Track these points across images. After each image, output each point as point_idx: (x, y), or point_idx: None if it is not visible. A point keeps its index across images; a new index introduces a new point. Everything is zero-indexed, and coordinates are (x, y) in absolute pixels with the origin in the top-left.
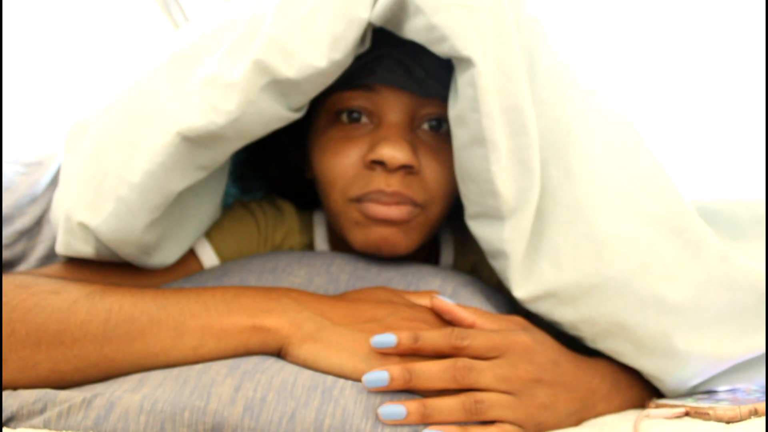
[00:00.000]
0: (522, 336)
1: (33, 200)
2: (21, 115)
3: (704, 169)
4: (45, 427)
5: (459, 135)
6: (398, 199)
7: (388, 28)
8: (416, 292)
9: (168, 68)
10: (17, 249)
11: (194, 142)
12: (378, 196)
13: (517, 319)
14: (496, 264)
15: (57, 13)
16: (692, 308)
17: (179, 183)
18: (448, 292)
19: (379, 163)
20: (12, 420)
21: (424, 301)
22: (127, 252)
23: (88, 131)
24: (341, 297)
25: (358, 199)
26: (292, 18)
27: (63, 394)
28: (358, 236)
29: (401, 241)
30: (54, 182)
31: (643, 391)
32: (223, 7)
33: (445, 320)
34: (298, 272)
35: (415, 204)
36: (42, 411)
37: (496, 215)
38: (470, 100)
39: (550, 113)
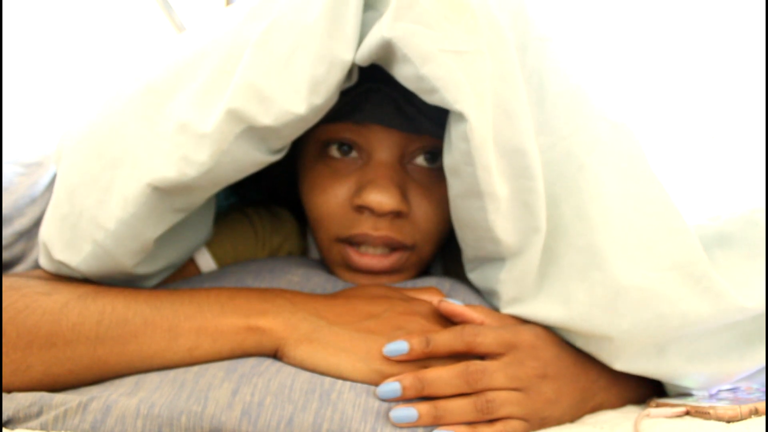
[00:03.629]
0: (526, 332)
1: (32, 201)
2: (21, 115)
3: (704, 171)
4: (42, 429)
5: (454, 185)
6: (386, 242)
7: (377, 64)
8: (414, 288)
9: (140, 104)
10: (16, 250)
11: (166, 191)
12: (364, 239)
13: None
14: (490, 301)
15: (57, 13)
16: (697, 342)
17: (155, 230)
18: (445, 289)
19: (367, 208)
20: (9, 422)
21: (423, 297)
22: (115, 281)
23: (62, 161)
24: (336, 295)
25: (346, 240)
26: (270, 57)
27: (58, 398)
28: (343, 278)
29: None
30: (53, 183)
31: (642, 383)
32: (203, 28)
33: (443, 316)
34: (296, 271)
35: (404, 248)
36: (38, 414)
37: (496, 258)
38: (464, 153)
39: (560, 144)
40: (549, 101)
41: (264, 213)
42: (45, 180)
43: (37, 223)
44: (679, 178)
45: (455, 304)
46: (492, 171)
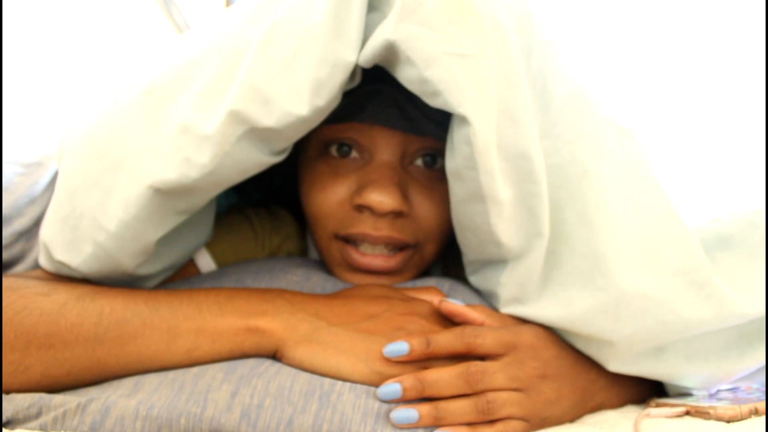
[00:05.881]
0: (526, 333)
1: (32, 201)
2: (21, 115)
3: (704, 171)
4: (42, 430)
5: (456, 189)
6: (387, 241)
7: (380, 65)
8: (414, 288)
9: (141, 105)
10: (15, 250)
11: (168, 193)
12: (364, 238)
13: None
14: (490, 302)
15: (57, 13)
16: (696, 342)
17: (156, 232)
18: (445, 288)
19: (367, 208)
20: (8, 424)
21: (423, 297)
22: (115, 281)
23: (63, 161)
24: (336, 295)
25: (344, 239)
26: (272, 59)
27: (57, 399)
28: (343, 278)
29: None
30: (53, 183)
31: (641, 382)
32: (203, 30)
33: (443, 316)
34: (296, 270)
35: (407, 247)
36: (37, 415)
37: (497, 260)
38: (467, 157)
39: (564, 149)
40: (553, 105)
41: (263, 213)
42: (45, 180)
43: (37, 223)
44: (679, 179)
45: (456, 304)
46: (495, 175)
